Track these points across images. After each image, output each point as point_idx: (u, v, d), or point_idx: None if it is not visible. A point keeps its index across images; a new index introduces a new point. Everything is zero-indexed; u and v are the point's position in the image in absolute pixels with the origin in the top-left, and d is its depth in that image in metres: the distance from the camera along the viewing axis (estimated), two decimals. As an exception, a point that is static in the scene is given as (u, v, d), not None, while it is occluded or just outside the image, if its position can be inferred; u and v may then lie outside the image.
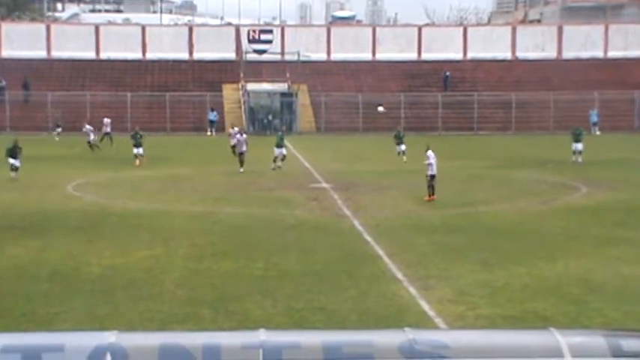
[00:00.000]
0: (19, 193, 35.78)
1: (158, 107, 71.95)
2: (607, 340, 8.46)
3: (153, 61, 78.07)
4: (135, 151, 47.40)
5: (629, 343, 8.38)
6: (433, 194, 34.09)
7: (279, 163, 44.80)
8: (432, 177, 34.26)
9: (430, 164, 34.40)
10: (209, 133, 70.11)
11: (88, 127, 56.71)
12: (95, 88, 73.51)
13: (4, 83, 72.47)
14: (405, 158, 49.59)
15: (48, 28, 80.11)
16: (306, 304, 18.88)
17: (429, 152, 34.88)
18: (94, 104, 71.39)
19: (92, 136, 55.54)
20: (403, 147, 51.23)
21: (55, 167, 45.29)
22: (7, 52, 77.28)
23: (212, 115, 71.86)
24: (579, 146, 47.28)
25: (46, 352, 7.96)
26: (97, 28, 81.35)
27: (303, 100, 74.17)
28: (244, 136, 45.85)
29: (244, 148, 44.52)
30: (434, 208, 32.52)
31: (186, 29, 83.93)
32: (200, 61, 78.10)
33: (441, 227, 28.26)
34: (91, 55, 78.16)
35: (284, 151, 45.96)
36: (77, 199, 35.06)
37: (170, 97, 72.23)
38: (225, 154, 50.79)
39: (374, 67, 78.96)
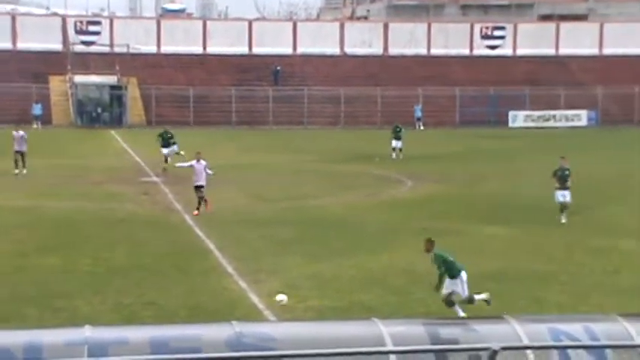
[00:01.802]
0: None
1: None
2: (426, 328, 8.83)
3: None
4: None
5: (447, 331, 8.78)
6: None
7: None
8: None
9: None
10: (35, 127, 68.09)
11: None
12: None
13: None
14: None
15: None
16: (136, 299, 18.72)
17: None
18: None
19: None
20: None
21: None
22: None
23: (37, 109, 69.74)
24: (399, 143, 48.15)
25: None
26: None
27: (132, 93, 73.03)
28: (21, 132, 40.28)
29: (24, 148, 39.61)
30: (264, 202, 32.76)
31: (8, 18, 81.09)
32: (24, 52, 75.66)
33: (271, 221, 28.52)
34: None
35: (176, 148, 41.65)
36: None
37: (-6, 88, 69.71)
38: (50, 147, 49.47)
39: (205, 60, 78.60)
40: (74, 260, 22.36)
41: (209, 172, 30.58)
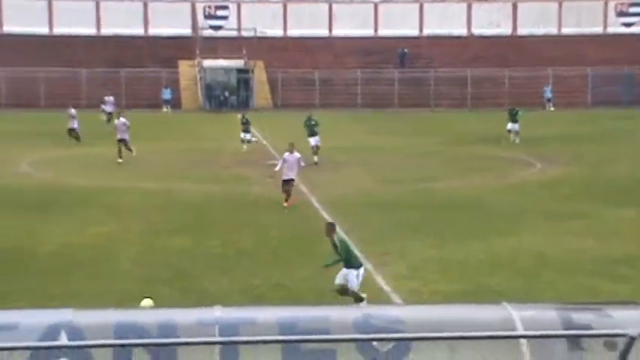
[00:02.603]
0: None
1: (113, 84, 71.25)
2: (558, 313, 8.60)
3: (108, 37, 77.25)
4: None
5: (580, 316, 8.53)
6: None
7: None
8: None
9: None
10: (165, 110, 69.66)
11: (72, 111, 47.34)
12: (48, 64, 72.55)
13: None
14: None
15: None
16: (264, 281, 18.92)
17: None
18: (47, 81, 70.55)
19: (76, 124, 46.62)
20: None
21: (10, 144, 44.71)
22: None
23: (167, 93, 71.35)
24: (515, 126, 46.84)
25: (0, 331, 7.93)
26: (49, 2, 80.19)
27: (259, 76, 73.90)
28: (122, 120, 39.43)
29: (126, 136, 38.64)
30: (390, 185, 32.65)
31: (140, 4, 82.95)
32: (156, 37, 77.44)
33: (397, 203, 28.40)
34: (44, 30, 77.13)
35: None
36: (31, 176, 34.74)
37: (125, 73, 71.60)
38: (180, 131, 50.51)
39: (330, 43, 78.86)
40: (204, 242, 22.76)
41: (302, 164, 28.37)
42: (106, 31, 77.78)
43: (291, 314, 8.35)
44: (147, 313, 8.62)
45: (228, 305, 8.87)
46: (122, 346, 7.70)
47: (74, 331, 7.89)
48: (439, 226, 24.49)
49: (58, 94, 69.47)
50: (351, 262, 17.17)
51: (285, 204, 27.55)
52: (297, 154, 28.21)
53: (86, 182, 32.89)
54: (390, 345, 7.93)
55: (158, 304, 16.71)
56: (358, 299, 16.83)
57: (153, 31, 78.25)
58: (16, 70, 70.16)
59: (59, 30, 77.35)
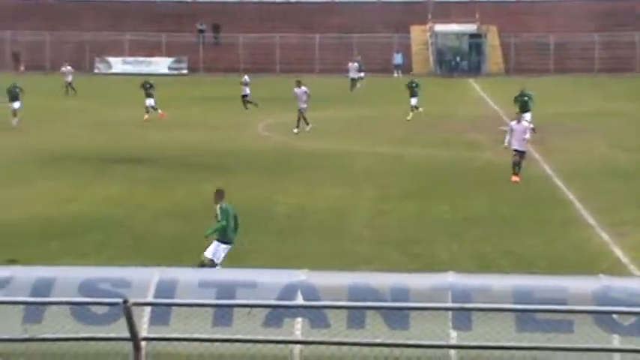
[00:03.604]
0: (213, 133, 36.79)
1: (345, 49, 72.19)
2: None
3: (341, 3, 78.21)
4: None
5: None
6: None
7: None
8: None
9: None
10: (395, 75, 69.89)
11: (246, 77, 47.78)
12: (284, 30, 74.42)
13: (204, 26, 74.57)
14: None
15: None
16: (494, 247, 18.64)
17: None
18: (283, 46, 72.42)
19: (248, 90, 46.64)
20: None
21: (249, 107, 46.21)
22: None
23: (398, 58, 71.54)
24: None
25: (240, 288, 8.17)
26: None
27: (492, 41, 72.68)
28: (303, 88, 37.55)
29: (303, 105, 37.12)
30: (627, 153, 31.28)
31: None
32: (388, 2, 77.66)
33: (635, 172, 27.17)
34: (280, -3, 79.10)
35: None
36: (266, 139, 35.81)
37: (357, 38, 72.30)
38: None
39: (566, 6, 76.26)
40: (433, 207, 22.68)
41: (526, 136, 26.11)
42: (340, -4, 78.72)
43: (526, 282, 8.13)
44: (380, 277, 8.63)
45: (459, 271, 8.74)
46: (354, 308, 7.75)
47: (309, 291, 8.02)
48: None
49: (292, 59, 71.21)
50: (227, 236, 16.47)
51: (513, 178, 25.66)
52: (524, 124, 26.44)
53: (319, 145, 33.53)
54: (633, 319, 7.55)
55: (388, 267, 16.81)
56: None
57: (386, -4, 78.44)
58: (254, 37, 72.43)
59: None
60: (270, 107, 46.27)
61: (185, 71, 72.01)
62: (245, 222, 21.13)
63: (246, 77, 47.59)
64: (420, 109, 41.97)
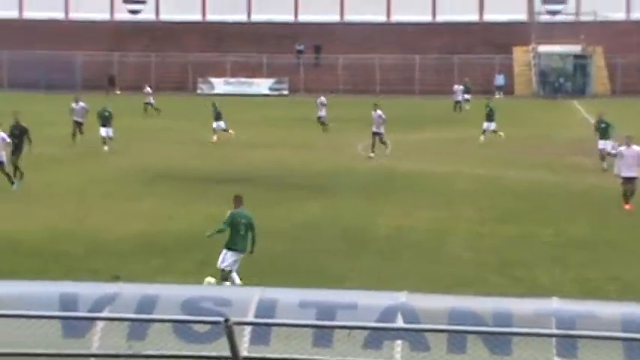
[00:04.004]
0: (312, 153, 36.99)
1: (445, 70, 71.88)
2: None
3: (442, 24, 77.90)
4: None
5: None
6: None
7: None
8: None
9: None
10: (497, 97, 69.22)
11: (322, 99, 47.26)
12: (384, 51, 74.48)
13: (302, 47, 75.20)
14: None
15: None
16: (599, 273, 18.22)
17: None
18: (383, 67, 72.49)
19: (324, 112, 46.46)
20: None
21: (348, 128, 46.40)
22: (303, 17, 79.90)
23: (500, 79, 70.89)
24: None
25: (341, 309, 8.16)
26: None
27: (597, 61, 71.36)
28: (378, 112, 36.90)
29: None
30: None
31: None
32: (490, 23, 77.06)
33: None
34: (381, 18, 79.19)
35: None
36: (365, 159, 35.79)
37: (458, 59, 71.90)
38: (511, 117, 49.89)
39: (674, 26, 74.51)
40: (534, 230, 22.33)
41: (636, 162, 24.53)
42: (441, 17, 78.51)
43: (635, 310, 7.91)
44: (481, 300, 8.52)
45: (562, 296, 8.57)
46: (455, 332, 7.66)
47: (410, 314, 7.96)
48: None
49: (392, 80, 71.21)
50: (233, 243, 16.74)
51: (626, 207, 24.61)
52: (636, 148, 25.05)
53: (418, 166, 33.38)
54: None
55: (488, 291, 16.59)
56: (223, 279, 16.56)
57: (488, 17, 77.89)
58: (354, 58, 72.69)
59: (396, 17, 79.10)
60: (369, 128, 46.27)
61: (286, 92, 72.68)
62: (344, 242, 21.23)
63: (322, 98, 47.36)
64: (501, 133, 40.91)
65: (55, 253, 19.34)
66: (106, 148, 36.56)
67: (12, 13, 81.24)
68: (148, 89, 55.31)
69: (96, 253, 19.07)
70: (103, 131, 37.05)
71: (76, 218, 23.40)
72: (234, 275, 16.89)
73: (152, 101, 53.83)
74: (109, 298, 8.44)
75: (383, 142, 36.39)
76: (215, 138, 40.93)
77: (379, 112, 36.66)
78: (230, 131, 41.40)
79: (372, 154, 35.64)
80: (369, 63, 72.74)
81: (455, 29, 76.65)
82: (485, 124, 41.26)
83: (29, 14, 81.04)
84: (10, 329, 8.09)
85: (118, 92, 69.16)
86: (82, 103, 38.19)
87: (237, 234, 16.82)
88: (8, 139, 27.01)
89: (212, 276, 16.78)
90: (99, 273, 17.59)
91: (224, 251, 16.88)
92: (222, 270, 16.79)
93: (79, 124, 38.04)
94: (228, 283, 16.73)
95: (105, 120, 37.34)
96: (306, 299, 8.61)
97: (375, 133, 36.15)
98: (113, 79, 72.22)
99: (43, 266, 18.28)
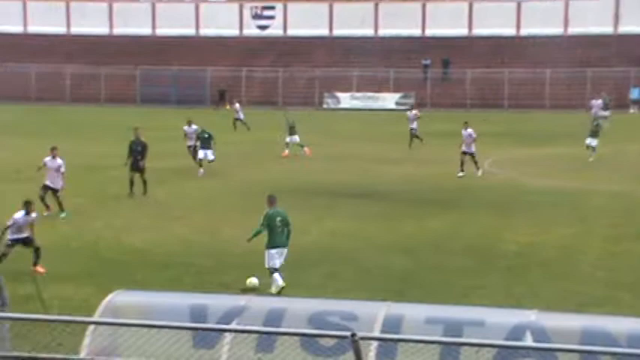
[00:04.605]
0: (438, 168, 36.74)
1: (578, 84, 70.39)
2: None
3: (575, 36, 76.27)
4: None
5: None
6: None
7: None
8: None
9: None
10: (632, 111, 67.38)
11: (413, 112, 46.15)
12: (514, 64, 73.52)
13: (429, 61, 74.89)
14: None
15: (470, 6, 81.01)
16: None
17: None
18: (512, 81, 71.54)
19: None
20: None
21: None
22: (430, 31, 79.57)
23: (635, 92, 68.99)
24: None
25: (468, 326, 8.06)
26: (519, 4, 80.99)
27: None
28: (469, 130, 35.16)
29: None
30: None
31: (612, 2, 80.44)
32: (625, 35, 75.07)
33: None
34: (510, 31, 78.14)
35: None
36: (493, 175, 35.33)
37: (591, 73, 70.27)
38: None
39: None
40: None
41: None
42: (573, 30, 76.90)
43: None
44: (616, 321, 8.27)
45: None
46: (588, 352, 7.45)
47: (539, 333, 7.80)
48: None
49: (521, 94, 70.24)
50: (271, 241, 17.52)
51: None
52: None
53: (548, 182, 32.76)
54: None
55: (621, 311, 16.11)
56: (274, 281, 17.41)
57: (623, 28, 75.88)
58: (482, 72, 71.98)
59: (525, 30, 77.91)
60: (497, 143, 45.72)
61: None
62: (471, 258, 20.99)
63: (415, 111, 46.49)
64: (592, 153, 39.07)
65: (185, 264, 19.74)
66: (201, 171, 34.31)
67: (145, 31, 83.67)
68: (237, 105, 55.31)
69: (225, 265, 19.35)
70: (202, 153, 35.10)
71: (206, 230, 23.85)
72: (277, 276, 17.62)
73: (242, 117, 53.85)
74: (238, 310, 8.55)
75: (475, 162, 34.78)
76: (286, 152, 40.52)
77: (470, 130, 35.17)
78: (305, 148, 40.74)
79: (460, 174, 34.13)
80: (497, 77, 71.88)
81: (588, 41, 74.94)
82: (589, 140, 39.56)
83: (161, 31, 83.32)
84: (143, 340, 8.28)
85: (228, 107, 69.46)
86: (194, 126, 36.58)
87: (275, 232, 17.62)
88: (63, 168, 25.91)
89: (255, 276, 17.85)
90: (228, 286, 17.87)
91: (267, 251, 17.68)
92: (270, 269, 17.69)
93: (193, 148, 36.12)
94: (278, 278, 17.55)
95: (204, 142, 35.33)
96: (432, 315, 8.53)
97: (464, 152, 34.73)
98: (223, 95, 73.12)
99: (174, 277, 18.69)
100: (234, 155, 39.54)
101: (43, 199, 25.32)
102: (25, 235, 19.37)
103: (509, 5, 78.94)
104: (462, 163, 34.47)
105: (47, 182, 25.76)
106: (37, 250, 19.36)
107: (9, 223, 19.26)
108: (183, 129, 36.91)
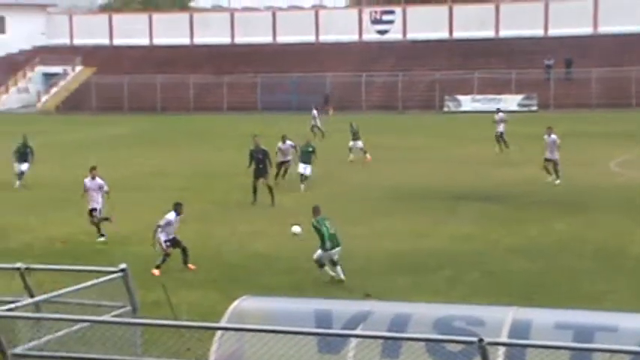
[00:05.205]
0: (562, 170, 35.96)
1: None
2: None
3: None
4: None
5: None
6: None
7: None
8: None
9: None
10: None
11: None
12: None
13: (552, 61, 73.48)
14: None
15: (595, 4, 79.01)
16: None
17: None
18: (639, 80, 69.54)
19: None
20: None
21: (601, 144, 44.84)
22: (553, 31, 78.11)
23: None
24: None
25: (599, 332, 7.83)
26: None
27: None
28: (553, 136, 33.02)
29: None
30: None
31: None
32: None
33: None
34: (636, 28, 75.94)
35: None
36: (619, 176, 34.42)
37: None
38: None
39: None
40: None
41: None
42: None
43: None
44: None
45: None
46: None
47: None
48: None
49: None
50: (324, 244, 19.06)
51: None
52: None
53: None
54: None
55: None
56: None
57: None
58: (607, 71, 70.21)
59: None
60: (624, 143, 44.56)
61: (535, 108, 71.16)
62: (599, 261, 20.46)
63: (501, 114, 44.69)
64: None
65: (308, 269, 19.83)
66: (302, 186, 32.21)
67: (265, 39, 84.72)
68: (315, 112, 54.48)
69: (348, 270, 19.37)
70: (302, 167, 32.86)
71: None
72: (339, 269, 19.10)
73: (318, 124, 52.98)
74: (363, 315, 8.52)
75: (556, 171, 32.60)
76: (352, 157, 40.25)
77: (554, 136, 32.81)
78: (367, 155, 40.07)
79: (549, 179, 32.42)
80: (624, 76, 69.93)
81: None
82: None
83: (281, 39, 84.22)
84: (269, 345, 8.34)
85: (331, 112, 68.44)
86: (289, 142, 33.69)
87: (328, 235, 19.15)
88: (107, 187, 24.41)
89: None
90: (351, 290, 17.87)
91: (327, 253, 19.16)
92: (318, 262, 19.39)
93: (283, 164, 33.42)
94: (338, 268, 19.13)
95: (305, 155, 33.11)
96: (562, 320, 8.33)
97: (547, 160, 32.66)
98: (327, 99, 72.97)
99: (297, 283, 18.80)
100: (339, 160, 39.55)
101: (95, 224, 23.96)
102: (173, 236, 20.37)
103: (637, 1, 76.61)
104: (548, 170, 32.73)
105: (91, 206, 24.13)
106: (184, 250, 20.40)
107: (161, 222, 20.27)
108: (277, 146, 33.42)
